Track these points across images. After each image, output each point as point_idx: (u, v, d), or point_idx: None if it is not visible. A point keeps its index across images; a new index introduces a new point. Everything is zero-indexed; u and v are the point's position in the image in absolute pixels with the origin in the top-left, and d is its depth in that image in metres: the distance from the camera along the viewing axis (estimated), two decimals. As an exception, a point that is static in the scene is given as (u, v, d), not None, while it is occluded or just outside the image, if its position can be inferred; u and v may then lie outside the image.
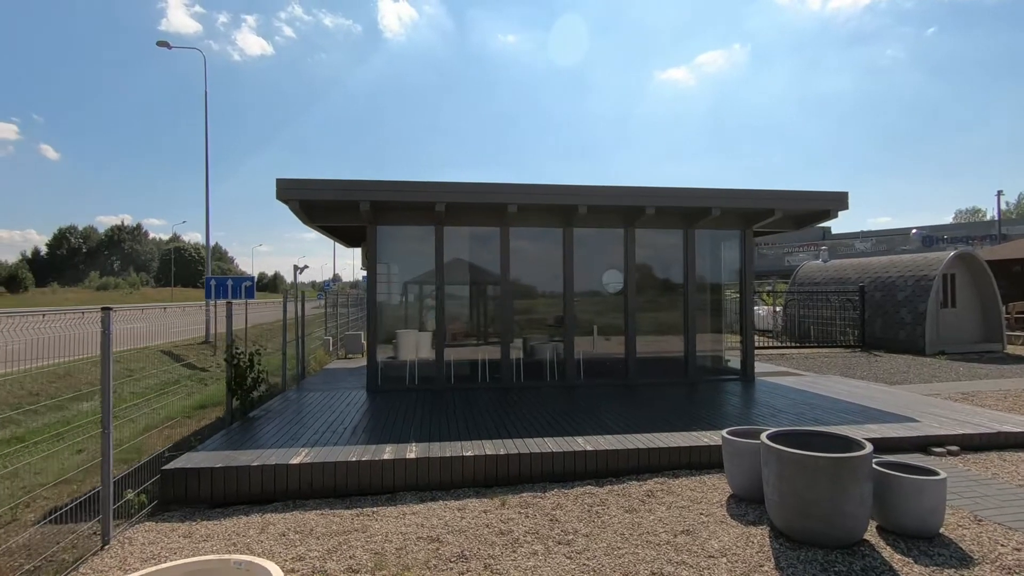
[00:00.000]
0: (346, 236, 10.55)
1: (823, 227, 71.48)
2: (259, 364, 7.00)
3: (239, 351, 6.66)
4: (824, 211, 8.88)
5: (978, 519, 4.07)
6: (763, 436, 4.00)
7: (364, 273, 11.25)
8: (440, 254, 8.73)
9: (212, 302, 20.08)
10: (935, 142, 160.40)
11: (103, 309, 4.05)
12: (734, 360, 9.83)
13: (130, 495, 4.78)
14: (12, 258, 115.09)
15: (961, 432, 5.84)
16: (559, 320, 9.16)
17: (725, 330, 10.12)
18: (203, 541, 4.06)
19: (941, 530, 3.88)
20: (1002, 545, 3.66)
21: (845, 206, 8.67)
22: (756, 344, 16.22)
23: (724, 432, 4.72)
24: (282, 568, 3.57)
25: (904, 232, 60.03)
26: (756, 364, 11.58)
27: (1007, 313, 16.97)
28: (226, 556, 3.08)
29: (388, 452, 5.11)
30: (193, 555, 3.86)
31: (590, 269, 9.36)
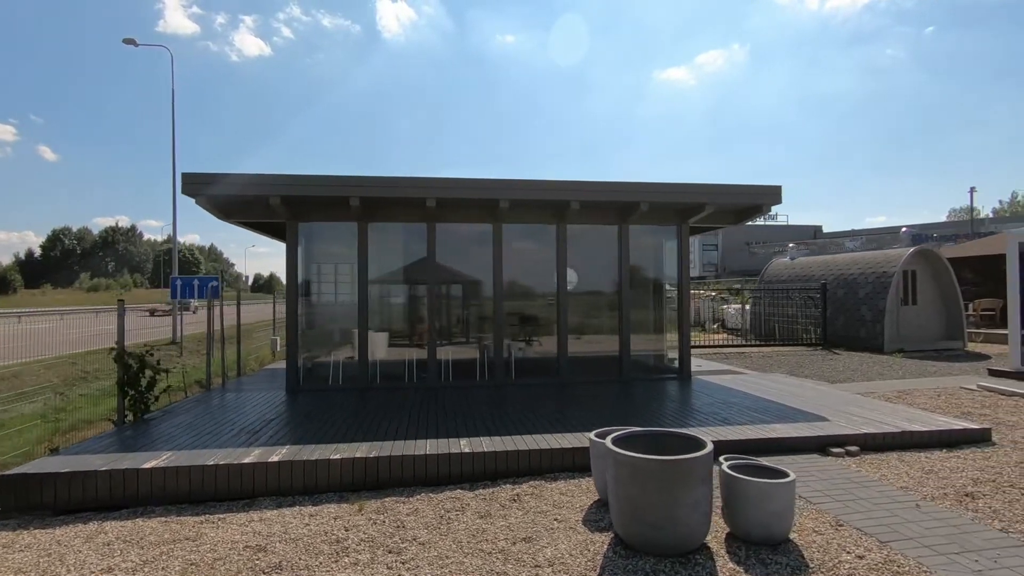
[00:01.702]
0: (278, 232, 10.30)
1: (814, 226, 71.56)
2: (158, 365, 6.77)
3: (130, 352, 6.44)
4: (756, 205, 8.67)
5: (839, 524, 3.85)
6: (608, 438, 3.78)
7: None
8: (364, 252, 8.51)
9: (177, 302, 19.99)
10: (933, 141, 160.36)
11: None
12: (675, 359, 9.61)
13: (-31, 502, 4.57)
14: (7, 259, 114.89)
15: (865, 432, 5.63)
16: (489, 319, 8.94)
17: (666, 328, 9.90)
18: (20, 551, 3.84)
19: (792, 535, 3.67)
20: (847, 552, 3.45)
21: (778, 200, 8.45)
22: (722, 343, 16.07)
23: (591, 434, 4.50)
24: (82, 580, 3.37)
25: (895, 231, 59.92)
26: (705, 363, 11.41)
27: (972, 310, 16.77)
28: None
29: (252, 456, 4.89)
30: (3, 564, 3.65)
31: (521, 267, 9.15)
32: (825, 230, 71.45)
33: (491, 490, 4.74)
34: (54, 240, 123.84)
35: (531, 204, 8.49)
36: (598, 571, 3.31)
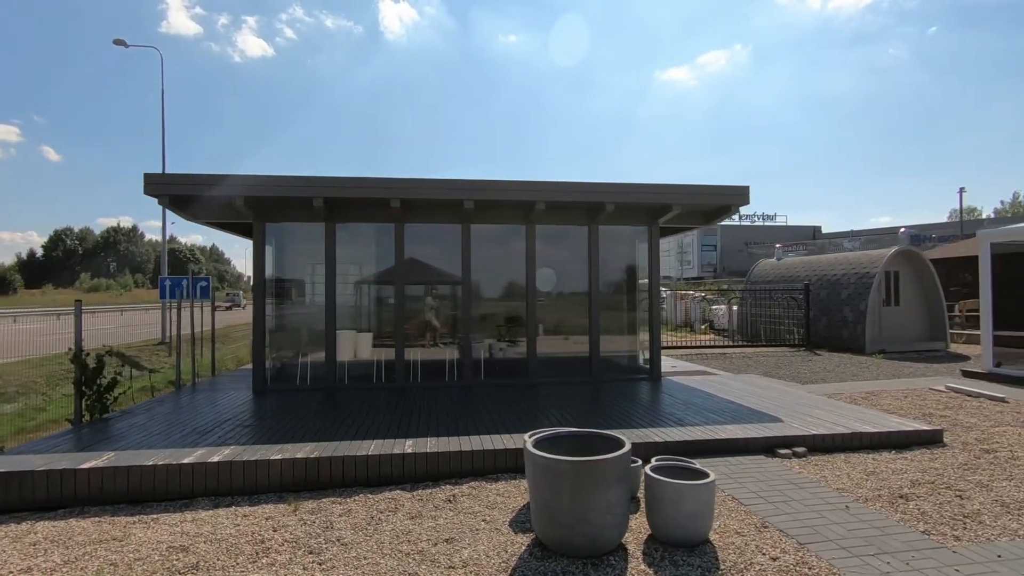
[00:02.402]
0: (249, 233, 10.30)
1: (813, 226, 71.39)
2: (118, 365, 6.77)
3: (87, 353, 6.46)
4: (724, 206, 8.65)
5: (764, 525, 3.84)
6: (530, 439, 3.78)
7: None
8: (331, 252, 8.52)
9: (168, 302, 20.08)
10: (936, 141, 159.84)
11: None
12: (647, 360, 9.59)
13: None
14: (10, 260, 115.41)
15: (814, 433, 5.61)
16: (459, 320, 8.94)
17: (639, 329, 9.87)
18: (-54, 551, 3.85)
19: (713, 537, 3.66)
20: (763, 554, 3.44)
21: (746, 201, 8.43)
22: (706, 344, 16.04)
23: (526, 436, 4.49)
24: (-2, 580, 3.38)
25: (894, 231, 59.77)
26: (681, 364, 11.39)
27: (958, 311, 16.71)
28: None
29: (193, 456, 4.89)
30: (-77, 566, 3.66)
31: (492, 268, 9.15)
32: (825, 230, 71.33)
33: (430, 491, 4.74)
34: (56, 240, 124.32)
35: (499, 204, 8.49)
36: (509, 572, 3.31)
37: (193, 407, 7.17)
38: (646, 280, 9.48)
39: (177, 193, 7.41)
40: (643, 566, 3.34)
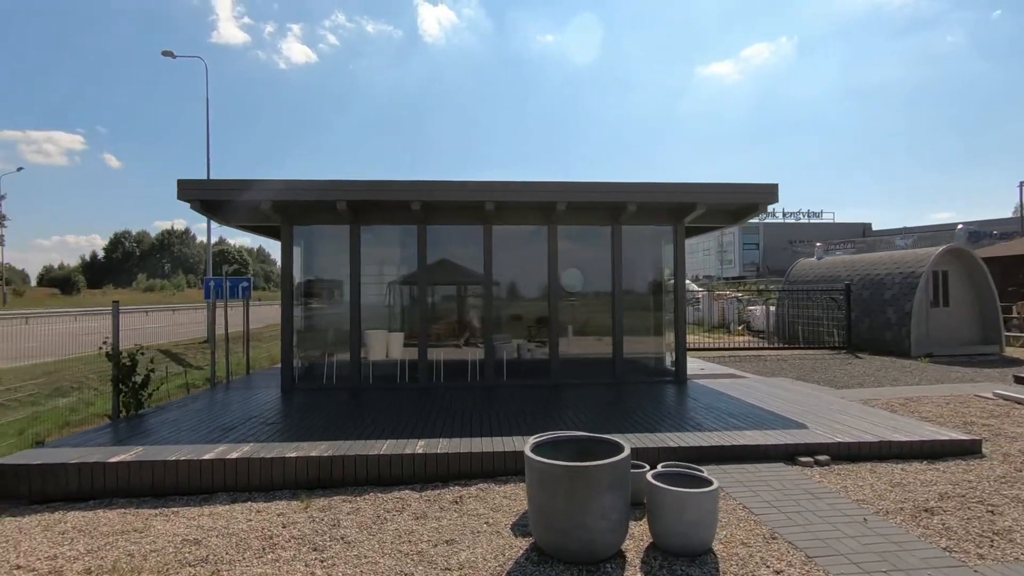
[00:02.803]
0: (276, 234, 10.58)
1: (863, 223, 68.50)
2: (160, 362, 7.09)
3: (123, 351, 6.78)
4: (751, 204, 8.40)
5: (773, 536, 3.71)
6: (529, 443, 3.76)
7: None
8: (356, 254, 8.69)
9: (212, 301, 20.94)
10: (998, 132, 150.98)
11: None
12: (672, 361, 9.40)
13: (-45, 489, 4.91)
14: (75, 262, 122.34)
15: (839, 441, 5.38)
16: (483, 320, 8.98)
17: (664, 330, 9.68)
18: (-17, 537, 4.11)
19: (717, 547, 3.56)
20: (767, 567, 3.32)
21: (774, 199, 8.17)
22: (740, 345, 15.63)
23: (531, 439, 4.47)
24: (26, 568, 3.60)
25: (951, 228, 56.75)
26: (710, 366, 11.14)
27: (1016, 312, 15.72)
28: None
29: (213, 453, 5.08)
30: (-38, 550, 3.92)
31: (515, 268, 9.15)
32: (876, 227, 68.32)
33: (438, 492, 4.77)
34: (115, 243, 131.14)
35: (520, 206, 8.48)
36: (503, 576, 3.31)
37: (223, 404, 7.44)
38: (668, 280, 9.30)
39: (208, 198, 7.70)
40: (639, 575, 3.28)
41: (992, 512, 4.06)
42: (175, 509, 4.56)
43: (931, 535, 3.71)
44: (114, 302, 6.97)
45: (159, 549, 3.81)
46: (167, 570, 3.53)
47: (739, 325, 19.99)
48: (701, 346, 15.14)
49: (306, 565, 3.55)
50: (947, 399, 7.94)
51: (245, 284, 17.48)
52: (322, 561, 3.59)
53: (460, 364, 9.00)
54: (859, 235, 63.72)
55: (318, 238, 8.98)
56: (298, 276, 8.94)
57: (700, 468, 4.05)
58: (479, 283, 8.95)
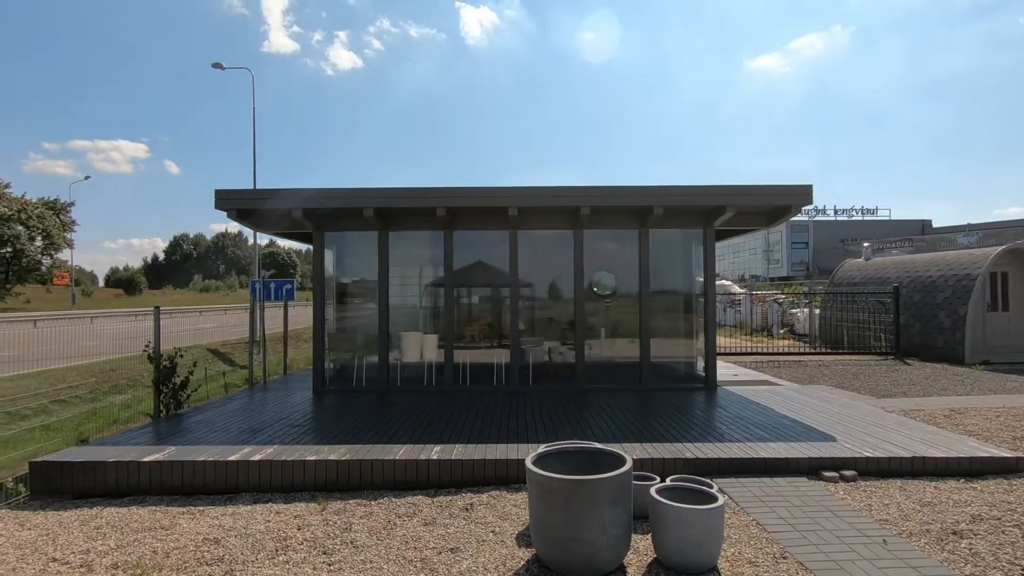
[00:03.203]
0: (309, 239, 10.89)
1: (922, 220, 65.09)
2: (191, 366, 7.44)
3: (163, 354, 7.14)
4: (784, 206, 8.12)
5: (783, 556, 3.59)
6: (532, 454, 3.76)
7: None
8: (384, 259, 8.88)
9: (259, 303, 21.80)
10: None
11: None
12: (702, 367, 9.19)
13: (8, 483, 5.30)
14: (138, 263, 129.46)
15: (868, 455, 5.15)
16: (508, 324, 9.01)
17: (695, 335, 9.47)
18: (28, 530, 4.41)
19: (721, 564, 3.47)
20: (772, 588, 3.22)
21: (808, 200, 7.88)
22: (781, 350, 15.15)
23: (542, 446, 4.46)
24: (60, 560, 3.86)
25: (1020, 224, 53.25)
26: (744, 372, 10.86)
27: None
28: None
29: (238, 454, 5.29)
30: (8, 541, 4.23)
31: (542, 271, 9.16)
32: (938, 224, 64.77)
33: (450, 498, 4.83)
34: (175, 245, 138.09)
35: (545, 210, 8.47)
36: (501, 587, 3.32)
37: (255, 406, 7.73)
38: (699, 283, 9.08)
39: (243, 207, 8.01)
40: (638, 591, 3.24)
41: (1029, 537, 3.81)
42: (201, 508, 4.78)
43: (955, 560, 3.51)
44: (156, 308, 7.35)
45: (181, 547, 4.01)
46: (186, 568, 3.71)
47: (782, 328, 19.33)
48: (739, 350, 14.72)
49: (314, 568, 3.66)
50: (998, 411, 7.47)
51: (289, 286, 18.09)
52: (329, 565, 3.70)
53: (485, 368, 9.06)
54: (917, 232, 60.51)
55: (349, 243, 9.21)
56: (330, 280, 9.19)
57: (711, 482, 3.96)
58: (507, 286, 8.98)
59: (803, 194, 7.86)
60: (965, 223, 60.10)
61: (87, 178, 52.99)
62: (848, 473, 4.99)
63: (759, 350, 15.07)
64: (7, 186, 48.09)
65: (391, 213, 8.55)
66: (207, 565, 3.74)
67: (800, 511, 4.28)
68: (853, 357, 13.85)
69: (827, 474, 4.99)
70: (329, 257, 9.16)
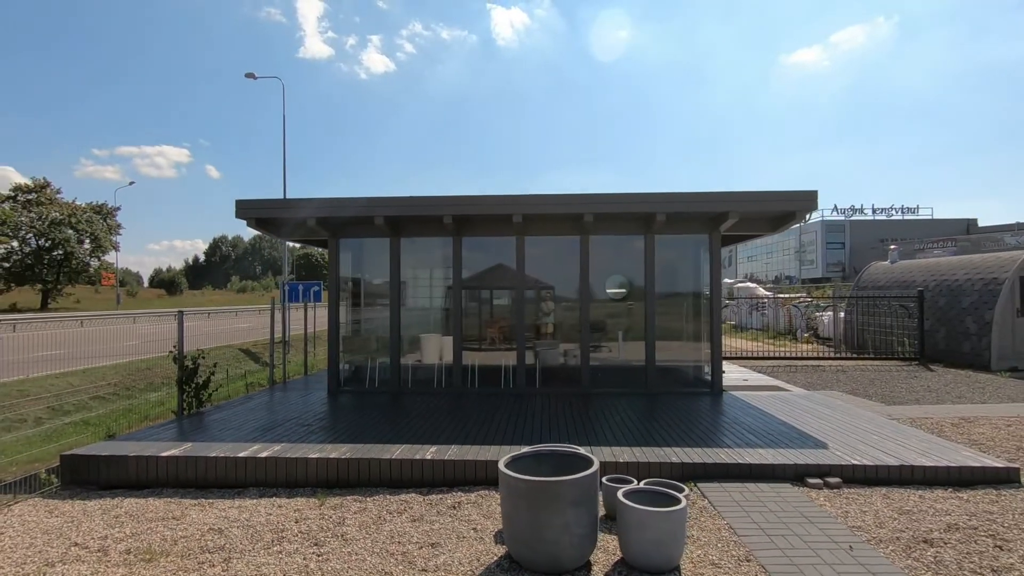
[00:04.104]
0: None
1: (968, 219, 62.57)
2: (213, 366, 7.89)
3: (186, 355, 7.60)
4: (788, 212, 8.11)
5: (747, 559, 3.72)
6: (506, 456, 3.97)
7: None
8: (396, 264, 9.20)
9: (288, 305, 22.58)
10: None
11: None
12: (709, 371, 9.22)
13: (42, 474, 5.78)
14: (179, 265, 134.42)
15: (855, 463, 5.19)
16: (515, 328, 9.22)
17: (703, 339, 9.50)
18: (55, 517, 4.84)
19: (684, 564, 3.62)
20: (727, 589, 3.36)
21: (813, 207, 7.87)
22: (802, 354, 14.95)
23: (526, 448, 4.67)
24: (81, 545, 4.25)
25: (1080, 222, 50.66)
26: (755, 377, 10.83)
27: None
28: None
29: (248, 451, 5.64)
30: (37, 527, 4.65)
31: (544, 277, 9.34)
32: (986, 223, 62.19)
33: (441, 496, 5.08)
34: (214, 247, 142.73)
35: (549, 217, 8.66)
36: (471, 581, 3.55)
37: (271, 405, 8.14)
38: (720, 287, 9.12)
39: (261, 216, 8.43)
40: (598, 588, 3.42)
41: (1000, 547, 3.83)
42: (211, 500, 5.14)
43: (917, 568, 3.58)
44: (179, 312, 7.83)
45: (188, 536, 4.36)
46: (190, 554, 4.05)
47: (806, 332, 19.01)
48: (759, 354, 14.59)
49: (304, 558, 3.95)
50: (1009, 420, 7.32)
51: (316, 288, 18.73)
52: (318, 555, 3.98)
53: (494, 370, 9.28)
54: (962, 232, 58.18)
55: (363, 249, 9.57)
56: (345, 284, 9.57)
57: (683, 486, 4.10)
58: (514, 289, 9.19)
59: (807, 200, 7.85)
60: (1014, 222, 57.43)
61: (131, 183, 55.26)
62: (833, 480, 5.04)
63: (779, 354, 14.90)
64: (58, 191, 50.75)
65: (402, 221, 8.86)
66: (209, 552, 4.07)
67: (775, 516, 4.37)
68: (875, 362, 13.58)
69: (811, 481, 5.06)
70: (345, 262, 9.54)
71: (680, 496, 3.74)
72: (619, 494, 3.77)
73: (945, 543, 3.90)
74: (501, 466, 3.76)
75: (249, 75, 25.35)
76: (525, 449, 4.26)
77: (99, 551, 4.16)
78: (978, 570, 3.54)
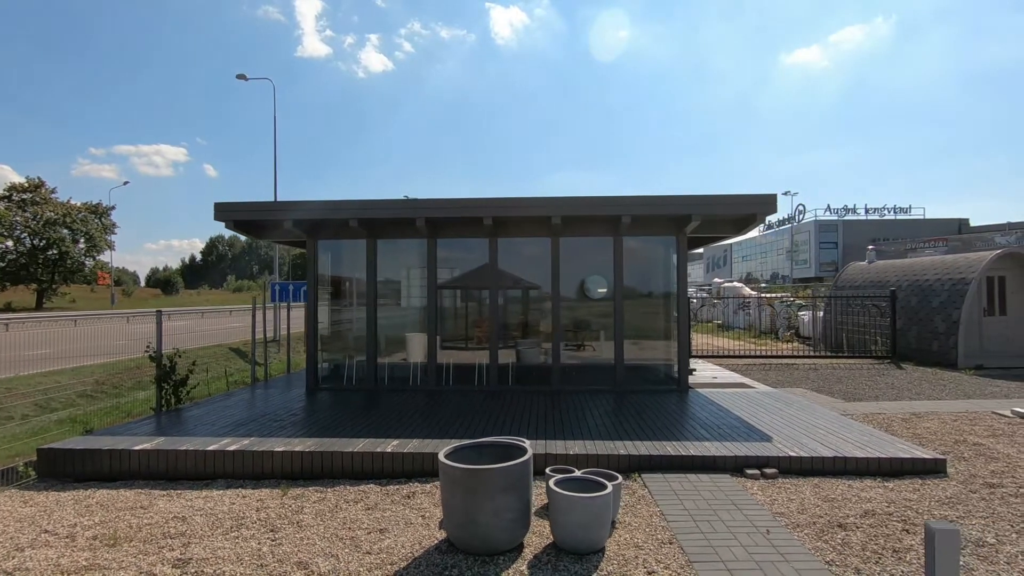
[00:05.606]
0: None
1: (959, 219, 63.05)
2: (192, 364, 8.14)
3: (164, 355, 7.85)
4: (750, 215, 8.38)
5: (669, 542, 3.99)
6: (447, 447, 4.23)
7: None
8: (372, 265, 9.46)
9: (278, 304, 22.82)
10: None
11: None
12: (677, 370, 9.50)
13: (20, 467, 6.03)
14: (176, 264, 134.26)
15: (792, 454, 5.46)
16: (491, 326, 9.48)
17: (672, 339, 9.77)
18: (30, 506, 5.09)
19: (610, 546, 3.89)
20: (645, 568, 3.62)
21: (772, 210, 8.14)
22: (779, 353, 15.25)
23: (470, 441, 4.93)
24: (51, 532, 4.50)
25: (1071, 221, 50.97)
26: (724, 375, 11.10)
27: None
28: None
29: (217, 444, 5.90)
30: (11, 515, 4.91)
31: (523, 276, 9.60)
32: (979, 223, 62.61)
33: (397, 487, 5.34)
34: (211, 247, 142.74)
35: (522, 220, 8.93)
36: (408, 561, 3.81)
37: (249, 402, 8.39)
38: (686, 287, 9.40)
39: (238, 219, 8.68)
40: (524, 567, 3.68)
41: (907, 531, 4.11)
42: (180, 491, 5.40)
43: (824, 549, 3.85)
44: (157, 311, 8.08)
45: (152, 523, 4.61)
46: (152, 539, 4.31)
47: (788, 331, 19.31)
48: (735, 353, 14.88)
49: (258, 543, 4.21)
50: (956, 416, 7.61)
51: (304, 288, 18.97)
52: (272, 540, 4.24)
53: (468, 368, 9.54)
54: (954, 232, 58.60)
55: (342, 250, 9.82)
56: (324, 284, 9.82)
57: (616, 475, 4.38)
58: (487, 289, 9.46)
59: (766, 203, 8.12)
60: (1005, 222, 57.81)
61: (126, 183, 55.56)
62: (769, 471, 5.32)
63: (758, 353, 15.19)
64: (53, 191, 50.87)
65: (376, 223, 9.11)
66: (170, 538, 4.33)
67: (706, 504, 4.64)
68: (848, 361, 13.88)
69: (750, 472, 5.33)
70: (324, 262, 9.80)
71: (609, 484, 4.00)
72: (550, 482, 4.03)
73: (857, 527, 4.18)
74: (441, 456, 4.03)
75: (240, 76, 25.58)
76: (466, 441, 4.52)
77: (67, 537, 4.41)
78: (880, 551, 3.81)
